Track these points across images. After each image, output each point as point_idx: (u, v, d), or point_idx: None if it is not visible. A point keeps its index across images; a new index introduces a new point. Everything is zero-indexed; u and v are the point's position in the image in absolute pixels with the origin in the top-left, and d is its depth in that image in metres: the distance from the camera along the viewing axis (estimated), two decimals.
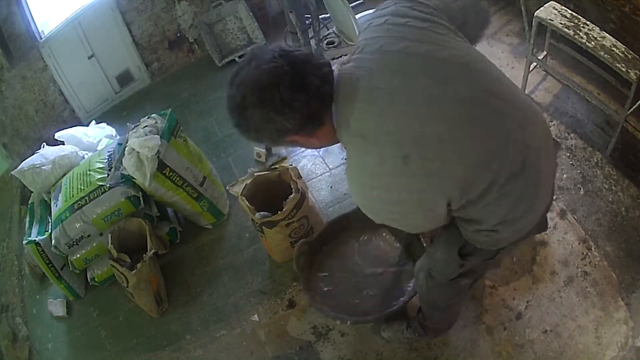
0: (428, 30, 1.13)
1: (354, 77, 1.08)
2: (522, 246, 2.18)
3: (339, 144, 1.20)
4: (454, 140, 1.05)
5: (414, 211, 1.12)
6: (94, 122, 3.25)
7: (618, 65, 2.20)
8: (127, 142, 2.38)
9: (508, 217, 1.18)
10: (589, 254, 2.20)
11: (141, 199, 2.46)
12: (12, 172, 2.68)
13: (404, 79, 1.06)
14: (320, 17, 3.00)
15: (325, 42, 3.18)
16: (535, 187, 1.19)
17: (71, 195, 2.42)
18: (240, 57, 3.79)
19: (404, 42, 1.10)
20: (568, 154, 2.54)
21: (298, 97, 1.02)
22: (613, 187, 2.39)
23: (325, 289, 2.15)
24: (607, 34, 2.31)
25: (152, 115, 2.51)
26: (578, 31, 2.35)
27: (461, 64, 1.12)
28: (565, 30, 2.37)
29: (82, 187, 2.43)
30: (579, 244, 2.24)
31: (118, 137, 2.98)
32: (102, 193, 2.39)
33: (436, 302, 1.71)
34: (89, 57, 3.57)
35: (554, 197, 1.45)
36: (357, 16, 2.69)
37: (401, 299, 2.00)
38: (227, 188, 2.53)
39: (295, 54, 1.06)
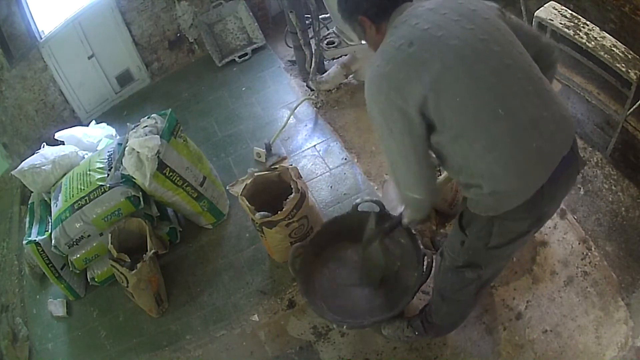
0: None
1: (413, 3, 1.42)
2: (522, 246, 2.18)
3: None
4: (445, 45, 1.27)
5: (392, 98, 1.28)
6: (94, 122, 3.25)
7: (618, 65, 2.20)
8: (127, 142, 2.38)
9: (487, 168, 1.31)
10: (589, 254, 2.20)
11: (141, 199, 2.46)
12: (12, 172, 2.69)
13: (437, 7, 1.34)
14: (320, 17, 3.00)
15: (325, 42, 3.18)
16: (516, 147, 1.28)
17: (71, 195, 2.43)
18: (240, 57, 3.80)
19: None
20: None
21: None
22: (613, 187, 2.39)
23: (323, 291, 2.15)
24: (607, 34, 2.31)
25: (152, 115, 2.51)
26: (578, 31, 2.35)
27: (496, 27, 1.32)
28: (565, 30, 2.37)
29: (82, 187, 2.44)
30: (579, 244, 2.24)
31: (118, 137, 2.99)
32: (102, 193, 2.39)
33: (443, 290, 1.73)
34: (89, 57, 3.57)
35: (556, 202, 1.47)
36: None
37: (399, 303, 1.99)
38: (227, 188, 2.53)
39: None
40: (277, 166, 2.44)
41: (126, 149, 2.37)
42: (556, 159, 1.33)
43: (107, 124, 3.19)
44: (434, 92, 1.25)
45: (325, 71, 3.25)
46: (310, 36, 3.09)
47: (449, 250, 1.61)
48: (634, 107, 2.30)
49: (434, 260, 1.82)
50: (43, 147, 2.81)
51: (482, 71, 1.27)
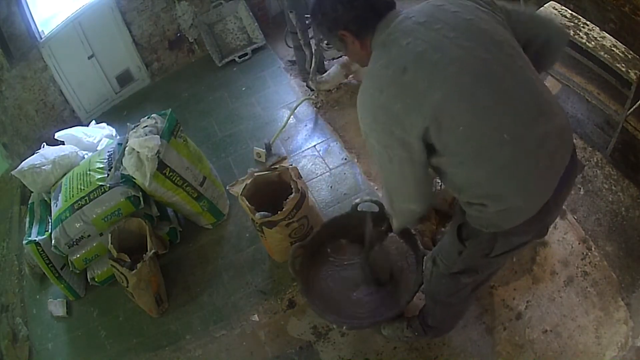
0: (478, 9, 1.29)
1: (401, 12, 1.31)
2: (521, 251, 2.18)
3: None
4: (444, 72, 1.18)
5: (392, 130, 1.21)
6: (94, 122, 3.25)
7: (618, 65, 2.20)
8: (127, 142, 2.38)
9: (491, 190, 1.26)
10: (589, 254, 2.20)
11: (141, 199, 2.46)
12: (12, 172, 2.69)
13: (430, 20, 1.24)
14: None
15: (325, 42, 3.18)
16: (523, 169, 1.23)
17: (71, 195, 2.43)
18: (240, 57, 3.80)
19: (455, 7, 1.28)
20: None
21: (360, 1, 1.30)
22: (613, 187, 2.39)
23: (323, 291, 2.15)
24: (607, 34, 2.31)
25: (152, 115, 2.51)
26: (578, 31, 2.35)
27: (495, 40, 1.24)
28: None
29: (82, 187, 2.43)
30: (579, 244, 2.24)
31: (118, 137, 2.99)
32: (102, 193, 2.39)
33: (437, 294, 1.71)
34: (89, 57, 3.57)
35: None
36: None
37: (399, 304, 1.99)
38: (227, 188, 2.53)
39: None
40: (277, 166, 2.44)
41: (126, 149, 2.37)
42: (560, 172, 1.30)
43: (107, 124, 3.19)
44: (436, 122, 1.17)
45: (325, 71, 3.26)
46: (310, 36, 3.09)
47: (444, 258, 1.54)
48: (634, 107, 2.30)
49: (424, 265, 1.76)
50: (43, 147, 2.82)
51: (485, 97, 1.19)
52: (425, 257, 1.72)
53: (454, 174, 1.29)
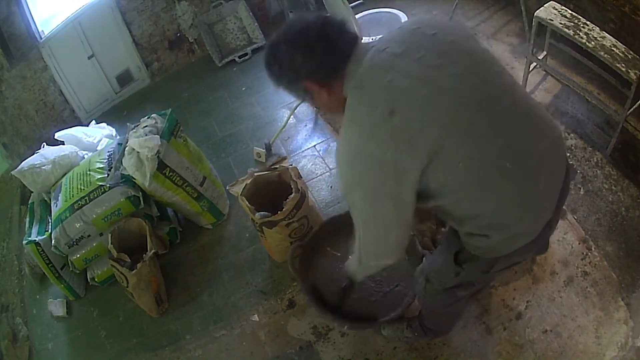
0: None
1: (370, 45, 1.18)
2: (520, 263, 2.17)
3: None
4: (437, 108, 1.07)
5: (383, 182, 1.08)
6: (94, 122, 3.25)
7: (618, 65, 2.20)
8: (127, 142, 2.38)
9: (496, 221, 1.18)
10: (589, 254, 2.20)
11: (141, 199, 2.46)
12: (12, 172, 2.68)
13: (409, 49, 1.12)
14: None
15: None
16: (527, 195, 1.16)
17: (71, 195, 2.42)
18: (240, 57, 3.80)
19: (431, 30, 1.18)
20: (568, 154, 2.54)
21: (320, 44, 1.14)
22: (613, 187, 2.39)
23: (323, 290, 2.14)
24: (607, 34, 2.31)
25: (152, 115, 2.51)
26: (578, 31, 2.35)
27: (481, 59, 1.17)
28: (565, 30, 2.37)
29: (82, 187, 2.43)
30: (579, 244, 2.24)
31: (118, 137, 2.98)
32: (102, 193, 2.39)
33: (433, 307, 1.71)
34: (89, 57, 3.57)
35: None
36: (356, 16, 2.69)
37: (399, 304, 1.98)
38: (227, 188, 2.53)
39: (332, 19, 1.19)
40: (277, 166, 2.44)
41: (126, 149, 2.37)
42: (559, 187, 1.25)
43: (107, 124, 3.19)
44: (432, 164, 1.06)
45: None
46: None
47: (438, 278, 1.48)
48: (634, 107, 2.30)
49: (417, 279, 1.67)
50: (43, 147, 2.81)
51: (483, 127, 1.09)
52: (416, 272, 1.65)
53: (454, 210, 1.20)
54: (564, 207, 2.28)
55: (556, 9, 2.46)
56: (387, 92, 1.08)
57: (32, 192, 2.76)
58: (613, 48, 2.25)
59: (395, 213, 1.13)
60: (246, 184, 2.31)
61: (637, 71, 2.14)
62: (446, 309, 1.66)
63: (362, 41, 1.21)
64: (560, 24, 2.40)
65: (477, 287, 1.52)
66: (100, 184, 2.41)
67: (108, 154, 2.59)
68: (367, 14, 3.11)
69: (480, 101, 1.10)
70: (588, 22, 2.37)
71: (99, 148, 2.88)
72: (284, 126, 3.12)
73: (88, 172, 2.49)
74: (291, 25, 1.18)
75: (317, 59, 1.14)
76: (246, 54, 3.81)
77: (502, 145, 1.11)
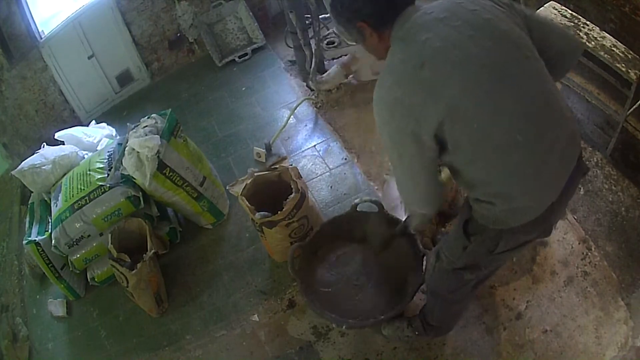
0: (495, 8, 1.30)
1: (421, 7, 1.32)
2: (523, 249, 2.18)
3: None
4: (463, 69, 1.20)
5: (406, 122, 1.22)
6: (94, 122, 3.26)
7: (618, 65, 2.19)
8: (127, 142, 2.38)
9: (502, 190, 1.29)
10: (589, 254, 2.20)
11: (141, 199, 2.46)
12: (12, 172, 2.69)
13: (449, 17, 1.25)
14: (320, 17, 3.00)
15: (325, 42, 3.18)
16: (533, 171, 1.25)
17: (71, 195, 2.43)
18: (240, 57, 3.80)
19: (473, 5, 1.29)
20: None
21: None
22: (613, 187, 2.39)
23: (323, 291, 2.15)
24: (607, 34, 2.31)
25: (152, 115, 2.51)
26: (578, 31, 2.35)
27: (513, 41, 1.25)
28: None
29: (82, 187, 2.44)
30: (579, 244, 2.24)
31: (118, 137, 2.99)
32: (102, 193, 2.40)
33: (438, 290, 1.73)
34: (89, 57, 3.57)
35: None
36: None
37: (399, 303, 1.99)
38: (227, 188, 2.53)
39: None
40: (277, 166, 2.44)
41: (126, 149, 2.37)
42: (568, 174, 1.33)
43: (107, 124, 3.19)
44: (450, 117, 1.19)
45: (325, 71, 3.25)
46: (310, 36, 3.09)
47: (448, 253, 1.57)
48: (634, 107, 2.30)
49: (427, 260, 1.80)
50: (43, 147, 2.82)
51: (500, 98, 1.21)
52: (429, 252, 1.75)
53: (465, 172, 1.31)
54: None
55: (556, 9, 2.46)
56: (423, 48, 1.22)
57: (32, 192, 2.76)
58: (613, 48, 2.25)
59: (417, 154, 1.26)
60: (246, 184, 2.31)
61: (637, 71, 2.14)
62: (451, 295, 1.68)
63: (417, 3, 1.34)
64: (560, 24, 2.40)
65: (482, 273, 1.57)
66: (100, 184, 2.41)
67: (108, 154, 2.59)
68: None
69: (503, 75, 1.21)
70: (588, 22, 2.37)
71: (99, 148, 2.88)
72: (284, 126, 3.12)
73: (88, 172, 2.50)
74: None
75: (374, 6, 1.30)
76: (246, 54, 3.81)
77: (517, 119, 1.21)
